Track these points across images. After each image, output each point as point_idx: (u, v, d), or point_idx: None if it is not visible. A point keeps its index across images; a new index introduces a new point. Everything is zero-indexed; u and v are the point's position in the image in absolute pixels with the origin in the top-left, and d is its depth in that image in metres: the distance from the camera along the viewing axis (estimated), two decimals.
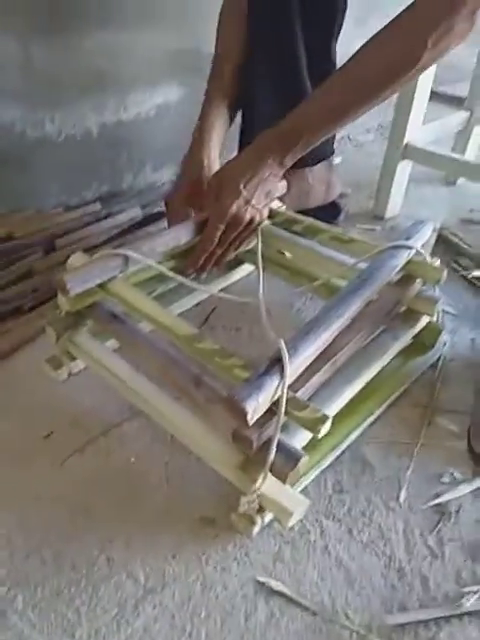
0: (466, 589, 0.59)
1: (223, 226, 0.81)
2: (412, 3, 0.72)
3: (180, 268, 0.85)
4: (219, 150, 0.93)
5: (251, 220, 0.83)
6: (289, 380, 0.57)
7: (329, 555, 0.63)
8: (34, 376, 0.83)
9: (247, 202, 0.81)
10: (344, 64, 0.77)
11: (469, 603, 0.57)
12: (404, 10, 0.72)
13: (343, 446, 0.72)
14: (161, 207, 1.22)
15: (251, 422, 0.54)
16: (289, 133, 0.78)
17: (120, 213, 1.19)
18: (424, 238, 0.82)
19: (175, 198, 0.90)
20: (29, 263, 1.04)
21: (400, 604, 0.58)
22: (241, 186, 0.79)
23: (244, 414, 0.53)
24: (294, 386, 0.60)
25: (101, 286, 0.74)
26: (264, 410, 0.56)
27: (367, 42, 0.75)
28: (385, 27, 0.74)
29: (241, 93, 0.99)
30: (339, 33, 1.03)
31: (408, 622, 0.56)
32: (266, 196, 0.83)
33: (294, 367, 0.58)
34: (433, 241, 0.98)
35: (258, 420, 0.56)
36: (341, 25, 1.02)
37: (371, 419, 0.76)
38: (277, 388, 0.56)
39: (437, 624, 0.56)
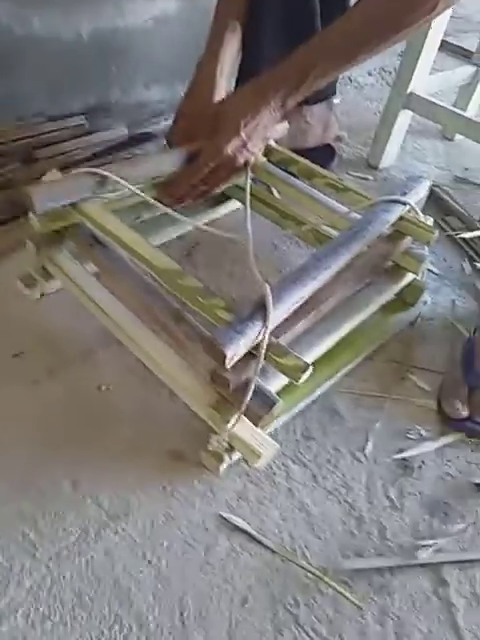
0: (422, 542, 0.61)
1: (213, 165, 0.76)
2: None
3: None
4: (228, 83, 0.85)
5: (244, 163, 0.79)
6: (271, 327, 0.56)
7: (292, 498, 0.64)
8: (6, 292, 0.80)
9: (244, 145, 0.76)
10: (356, 4, 0.73)
11: (424, 555, 0.59)
12: None
13: (315, 394, 0.72)
14: (147, 128, 1.16)
15: (230, 366, 0.54)
16: (294, 73, 0.73)
17: (105, 130, 1.13)
18: (420, 195, 0.81)
19: (176, 134, 0.83)
20: (6, 173, 0.98)
21: (357, 550, 0.60)
22: (241, 126, 0.74)
23: (223, 357, 0.52)
24: (276, 332, 0.59)
25: (72, 206, 0.70)
26: (241, 355, 0.55)
27: None
28: None
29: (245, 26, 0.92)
30: None
31: (363, 568, 0.59)
32: (263, 140, 0.79)
33: (277, 314, 0.57)
34: (424, 197, 0.96)
35: (237, 362, 0.56)
36: None
37: (345, 370, 0.76)
38: (259, 334, 0.55)
39: (391, 572, 0.59)
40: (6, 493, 0.60)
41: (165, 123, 1.16)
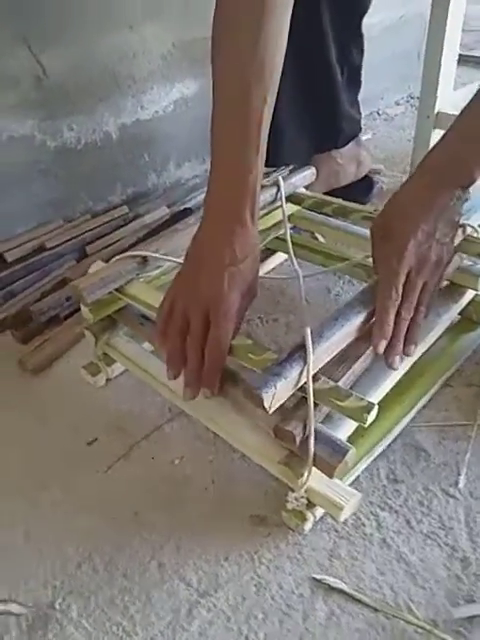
0: None
1: (404, 271, 0.61)
2: None
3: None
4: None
5: (439, 259, 0.64)
6: (315, 367, 0.54)
7: (388, 548, 0.60)
8: (74, 384, 0.83)
9: (429, 236, 0.62)
10: None
11: None
12: None
13: (394, 433, 0.69)
14: (186, 204, 1.21)
15: (271, 410, 0.53)
16: (471, 146, 0.63)
17: (147, 213, 1.18)
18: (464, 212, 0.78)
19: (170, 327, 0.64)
20: (63, 272, 1.04)
21: (466, 596, 0.55)
22: (418, 217, 0.61)
23: (261, 402, 0.51)
24: (335, 375, 0.58)
25: (117, 290, 0.73)
26: (285, 398, 0.54)
27: None
28: None
29: None
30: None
31: (476, 614, 0.53)
32: (452, 226, 0.65)
33: (319, 353, 0.55)
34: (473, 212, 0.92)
35: (300, 413, 0.54)
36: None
37: (422, 402, 0.72)
38: (301, 375, 0.54)
39: None
40: (94, 581, 0.60)
41: (202, 197, 1.20)
